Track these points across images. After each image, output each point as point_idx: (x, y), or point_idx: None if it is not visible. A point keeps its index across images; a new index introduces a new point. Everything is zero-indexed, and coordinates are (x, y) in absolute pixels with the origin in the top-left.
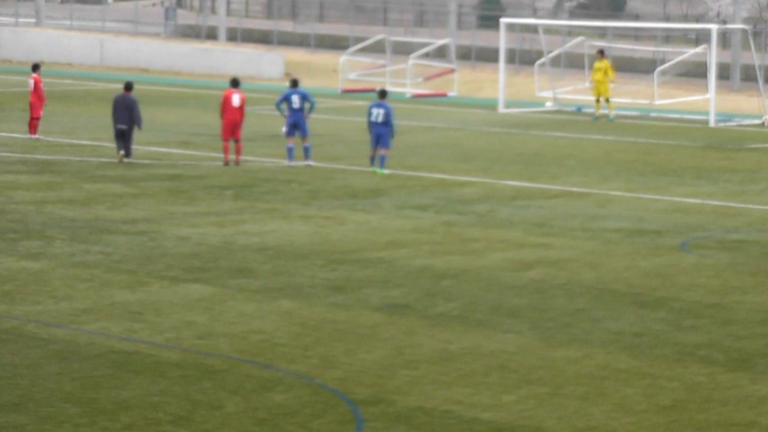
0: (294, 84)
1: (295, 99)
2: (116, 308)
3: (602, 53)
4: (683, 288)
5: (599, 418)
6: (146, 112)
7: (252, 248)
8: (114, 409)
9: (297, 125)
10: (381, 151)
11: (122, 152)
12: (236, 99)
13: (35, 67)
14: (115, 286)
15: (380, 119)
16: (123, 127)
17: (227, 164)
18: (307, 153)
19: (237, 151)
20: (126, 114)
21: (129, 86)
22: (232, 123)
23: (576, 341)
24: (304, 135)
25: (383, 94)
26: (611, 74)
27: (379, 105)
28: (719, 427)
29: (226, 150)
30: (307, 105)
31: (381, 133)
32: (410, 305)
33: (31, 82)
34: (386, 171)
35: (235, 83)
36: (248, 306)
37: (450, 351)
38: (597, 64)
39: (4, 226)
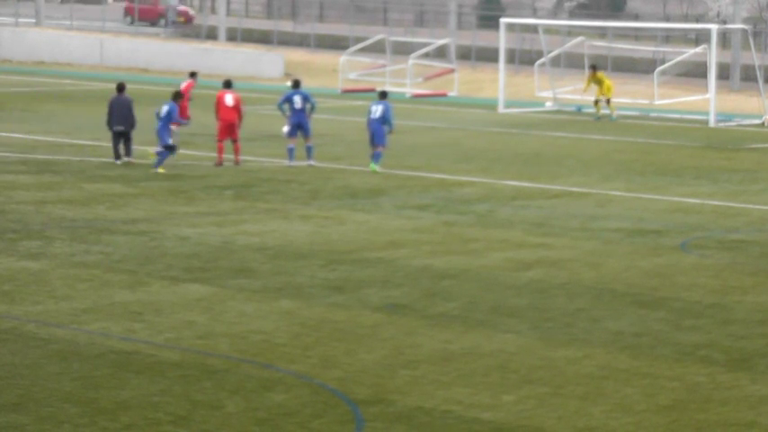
0: (296, 84)
1: (297, 100)
2: (116, 308)
3: (594, 68)
4: (683, 288)
5: (599, 418)
6: (146, 112)
7: (252, 248)
8: (114, 409)
9: (300, 125)
10: (378, 148)
11: (120, 162)
12: (229, 99)
13: (192, 74)
14: (115, 286)
15: (378, 114)
16: (121, 128)
17: (220, 164)
18: (309, 153)
19: (236, 151)
20: (123, 116)
21: (121, 87)
22: (228, 124)
23: (576, 341)
24: (307, 135)
25: (383, 95)
26: (607, 85)
27: (378, 103)
28: (719, 427)
29: (220, 151)
30: (308, 106)
31: (377, 129)
32: (410, 305)
33: (184, 84)
34: (378, 168)
35: (227, 84)
36: (248, 306)
37: (451, 351)
38: (592, 77)
39: (4, 226)
